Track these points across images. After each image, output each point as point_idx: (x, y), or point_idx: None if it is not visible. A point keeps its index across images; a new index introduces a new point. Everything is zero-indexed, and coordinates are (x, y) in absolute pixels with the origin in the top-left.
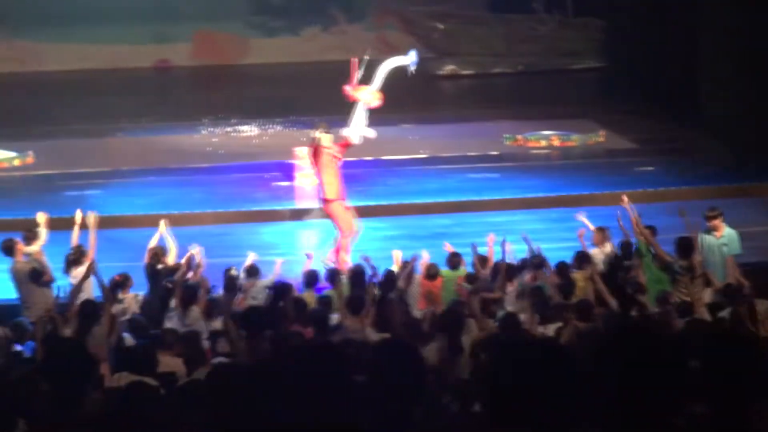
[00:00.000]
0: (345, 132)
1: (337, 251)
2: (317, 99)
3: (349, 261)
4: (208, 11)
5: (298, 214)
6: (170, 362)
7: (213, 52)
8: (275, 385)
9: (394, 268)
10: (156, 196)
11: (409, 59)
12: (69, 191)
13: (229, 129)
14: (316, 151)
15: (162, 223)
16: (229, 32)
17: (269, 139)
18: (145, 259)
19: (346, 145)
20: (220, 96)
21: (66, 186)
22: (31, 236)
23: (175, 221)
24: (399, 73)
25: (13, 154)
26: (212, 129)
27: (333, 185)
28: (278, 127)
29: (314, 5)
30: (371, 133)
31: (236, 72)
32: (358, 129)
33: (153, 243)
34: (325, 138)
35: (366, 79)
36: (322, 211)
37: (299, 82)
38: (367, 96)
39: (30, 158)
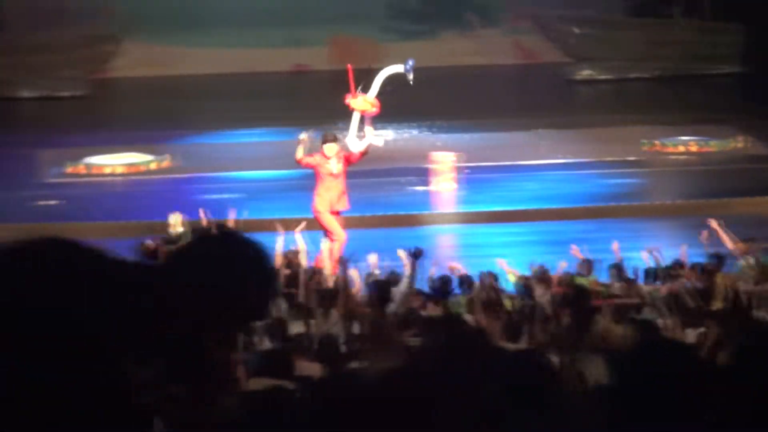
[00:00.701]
0: (345, 141)
1: (326, 255)
2: (453, 103)
3: (330, 266)
4: (345, 15)
5: (435, 219)
6: (307, 366)
7: (348, 56)
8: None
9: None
10: (294, 201)
11: (404, 67)
12: (205, 195)
13: (366, 133)
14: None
15: (300, 225)
16: (365, 36)
17: (405, 144)
18: (278, 264)
19: (347, 159)
20: None
21: (202, 189)
22: (170, 240)
23: (310, 226)
24: (538, 78)
25: (150, 157)
26: (348, 133)
27: (319, 197)
28: (414, 132)
29: (450, 9)
30: (378, 140)
31: (372, 76)
32: (354, 138)
33: (279, 248)
34: (328, 148)
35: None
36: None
37: (435, 86)
38: (362, 104)
39: (167, 161)
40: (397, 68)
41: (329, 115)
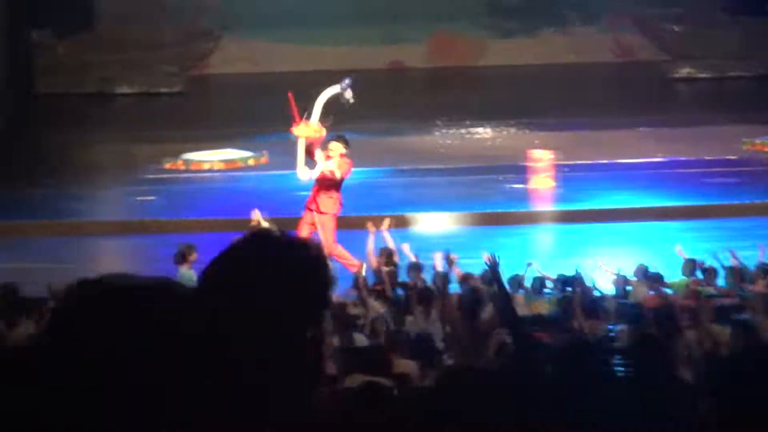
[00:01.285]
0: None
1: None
2: (551, 101)
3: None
4: (444, 12)
5: (533, 218)
6: (403, 364)
7: (447, 53)
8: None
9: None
10: (388, 198)
11: (340, 86)
12: (302, 192)
13: (462, 131)
14: None
15: (386, 222)
16: (464, 33)
17: (503, 141)
18: (374, 263)
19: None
20: (454, 97)
21: (299, 186)
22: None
23: (406, 223)
24: (637, 76)
25: (248, 153)
26: (446, 130)
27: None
28: (512, 129)
29: (549, 7)
30: (304, 174)
31: (470, 73)
32: (303, 168)
33: (371, 246)
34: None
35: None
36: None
37: (533, 83)
38: (306, 131)
39: (264, 158)
40: (335, 89)
41: (426, 112)
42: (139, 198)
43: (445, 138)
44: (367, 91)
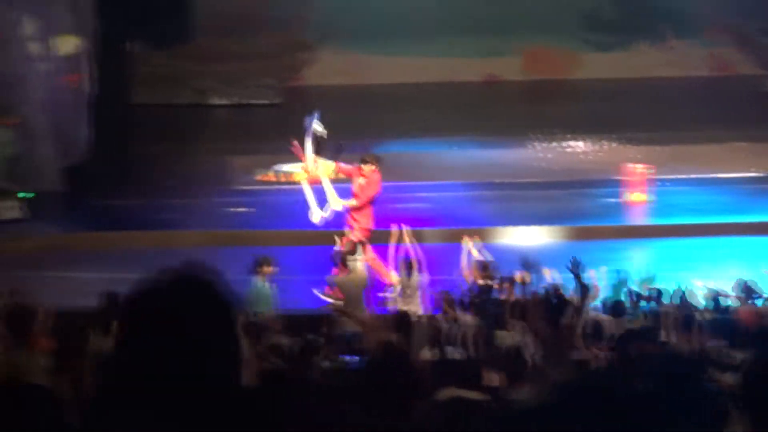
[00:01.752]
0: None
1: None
2: (646, 115)
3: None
4: (540, 26)
5: (627, 232)
6: (494, 377)
7: (543, 66)
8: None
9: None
10: (482, 211)
11: (305, 122)
12: (395, 204)
13: (557, 144)
14: None
15: (466, 238)
16: (559, 47)
17: (598, 155)
18: (471, 276)
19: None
20: (550, 111)
21: (392, 198)
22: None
23: (500, 236)
24: (733, 90)
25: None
26: (541, 144)
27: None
28: (607, 143)
29: (646, 20)
30: (316, 216)
31: (566, 87)
32: (317, 210)
33: (465, 259)
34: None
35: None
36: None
37: (629, 97)
38: (325, 170)
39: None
40: (315, 127)
41: (521, 126)
42: (231, 209)
43: (540, 152)
44: (462, 104)
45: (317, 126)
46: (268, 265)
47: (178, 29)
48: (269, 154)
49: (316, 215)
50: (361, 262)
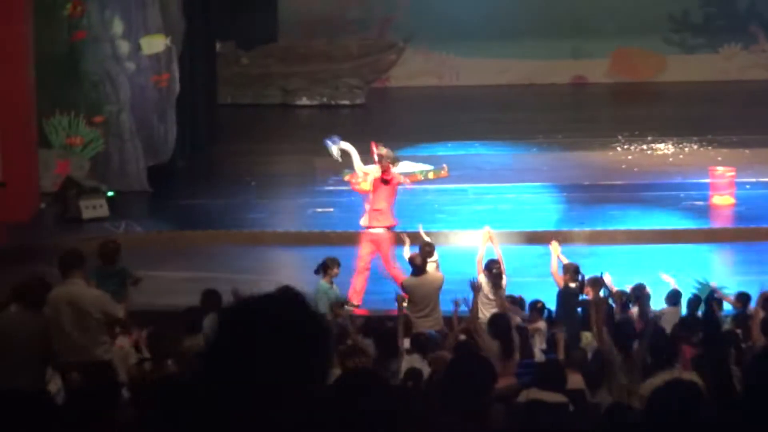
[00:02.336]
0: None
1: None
2: (733, 117)
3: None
4: (627, 28)
5: (712, 235)
6: (577, 380)
7: (630, 68)
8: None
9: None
10: (568, 213)
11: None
12: (481, 205)
13: (644, 146)
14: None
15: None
16: (646, 48)
17: (685, 158)
18: (561, 281)
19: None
20: (636, 113)
21: (476, 200)
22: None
23: (586, 239)
24: None
25: (428, 167)
26: (627, 146)
27: None
28: (694, 146)
29: (736, 22)
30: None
31: (653, 89)
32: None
33: (554, 264)
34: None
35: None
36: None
37: (717, 100)
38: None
39: (444, 171)
40: (332, 151)
41: (608, 127)
42: (318, 209)
43: (627, 153)
44: (548, 106)
45: (335, 150)
46: (334, 266)
47: (265, 30)
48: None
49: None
50: (433, 264)
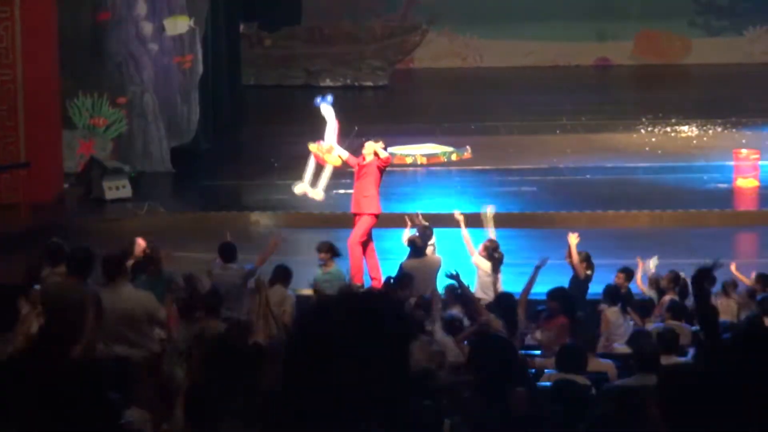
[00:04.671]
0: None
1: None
2: (759, 100)
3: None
4: (652, 10)
5: (735, 218)
6: (600, 364)
7: (654, 50)
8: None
9: None
10: (591, 195)
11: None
12: (504, 187)
13: (668, 128)
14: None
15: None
16: (671, 31)
17: (709, 140)
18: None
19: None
20: (660, 95)
21: (499, 182)
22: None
23: (609, 221)
24: None
25: (451, 149)
26: (651, 128)
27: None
28: (719, 128)
29: (760, 5)
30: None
31: (677, 71)
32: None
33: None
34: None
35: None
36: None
37: (741, 82)
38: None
39: (467, 153)
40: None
41: (632, 109)
42: (340, 191)
43: (651, 135)
44: (572, 87)
45: (325, 109)
46: (322, 251)
47: (290, 12)
48: (379, 136)
49: (300, 189)
50: (431, 247)
